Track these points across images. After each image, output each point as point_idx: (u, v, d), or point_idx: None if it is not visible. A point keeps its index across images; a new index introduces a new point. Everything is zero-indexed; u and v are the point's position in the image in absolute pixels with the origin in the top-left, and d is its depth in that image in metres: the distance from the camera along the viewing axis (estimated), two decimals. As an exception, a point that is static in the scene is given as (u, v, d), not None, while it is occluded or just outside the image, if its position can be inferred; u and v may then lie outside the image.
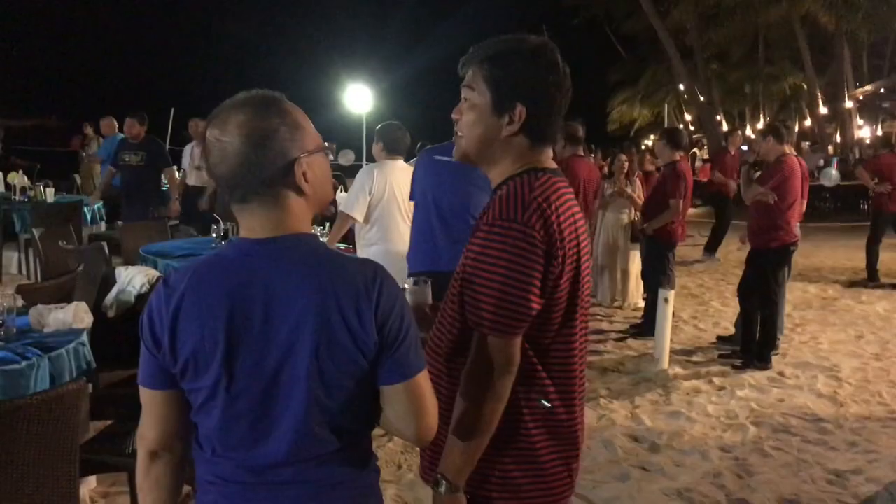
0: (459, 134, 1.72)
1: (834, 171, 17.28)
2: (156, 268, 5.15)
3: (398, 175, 5.00)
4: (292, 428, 1.40)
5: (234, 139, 1.36)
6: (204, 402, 1.41)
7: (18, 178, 9.80)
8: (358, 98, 20.70)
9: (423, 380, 1.47)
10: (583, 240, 1.65)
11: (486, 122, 1.65)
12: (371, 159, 5.35)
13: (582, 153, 7.01)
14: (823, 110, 26.16)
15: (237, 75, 37.50)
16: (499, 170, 1.68)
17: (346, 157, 17.24)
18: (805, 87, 27.46)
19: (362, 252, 4.95)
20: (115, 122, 9.73)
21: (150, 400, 1.45)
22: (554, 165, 1.70)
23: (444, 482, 1.64)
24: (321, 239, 1.81)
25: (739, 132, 13.21)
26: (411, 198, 4.29)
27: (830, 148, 26.15)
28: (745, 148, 18.07)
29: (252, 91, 1.42)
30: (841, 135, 26.07)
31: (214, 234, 6.25)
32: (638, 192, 8.38)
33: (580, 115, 6.78)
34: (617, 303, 8.54)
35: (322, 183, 1.45)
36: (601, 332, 7.44)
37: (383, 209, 4.92)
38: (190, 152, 10.09)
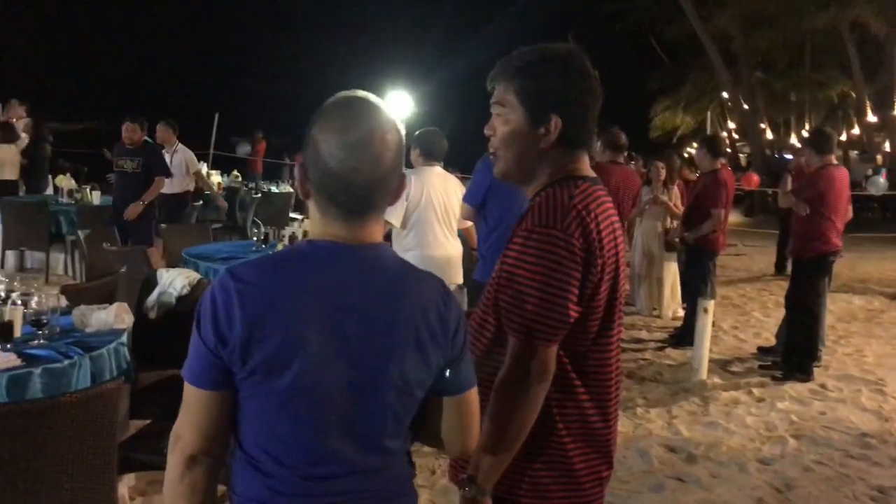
0: (494, 152, 1.69)
1: (882, 180, 16.94)
2: (197, 270, 5.15)
3: (435, 181, 5.01)
4: (367, 438, 1.35)
5: (381, 149, 1.33)
6: (273, 408, 1.31)
7: (66, 181, 9.91)
8: (398, 104, 19.85)
9: (476, 394, 1.46)
10: (620, 249, 1.63)
11: (522, 137, 1.63)
12: (409, 165, 5.29)
13: (621, 160, 6.73)
14: (872, 119, 25.60)
15: (274, 81, 37.43)
16: (538, 182, 1.67)
17: None
18: (853, 94, 26.83)
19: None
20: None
21: (198, 399, 1.33)
22: (591, 173, 1.67)
23: (472, 485, 1.63)
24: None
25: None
26: (471, 202, 4.42)
27: (879, 157, 25.60)
28: (788, 156, 17.80)
29: (362, 94, 1.39)
30: (890, 144, 25.52)
31: (255, 238, 6.29)
32: (675, 199, 8.17)
33: (621, 122, 6.67)
34: (655, 312, 8.42)
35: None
36: (640, 341, 7.36)
37: (420, 215, 4.92)
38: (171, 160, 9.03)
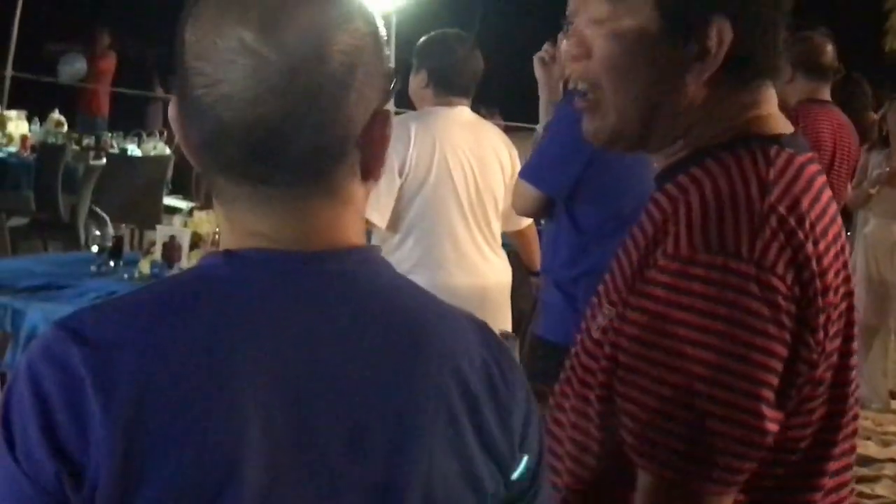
0: (585, 91, 1.11)
1: None
2: None
3: (457, 136, 3.19)
4: None
5: (297, 59, 0.79)
6: None
7: None
8: None
9: None
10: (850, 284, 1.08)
11: (652, 61, 1.05)
12: (404, 104, 3.91)
13: (828, 97, 3.92)
14: None
15: None
16: (684, 148, 1.08)
17: None
18: None
19: None
20: None
21: None
22: (787, 125, 1.10)
23: None
24: None
25: None
26: (542, 183, 2.79)
27: None
28: None
29: None
30: None
31: (96, 247, 4.14)
32: None
33: (828, 23, 4.12)
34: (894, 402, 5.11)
35: (384, 162, 0.92)
36: (868, 460, 4.40)
37: (427, 203, 3.17)
38: None
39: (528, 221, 3.48)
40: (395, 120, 3.27)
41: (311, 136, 0.82)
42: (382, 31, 0.88)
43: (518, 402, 0.90)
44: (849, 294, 1.05)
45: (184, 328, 0.79)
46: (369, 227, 3.15)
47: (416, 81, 3.25)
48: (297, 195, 0.85)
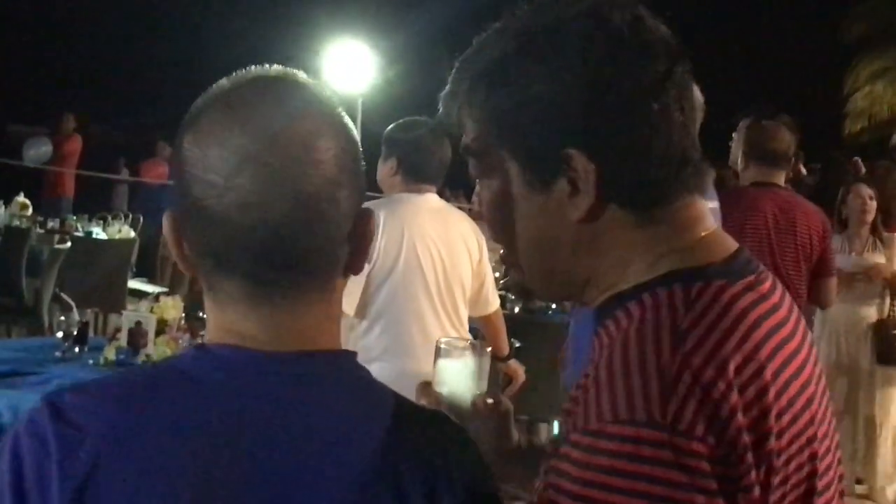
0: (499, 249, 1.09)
1: None
2: None
3: (426, 223, 3.14)
4: None
5: (299, 166, 0.84)
6: None
7: None
8: (349, 66, 11.46)
9: None
10: (821, 418, 0.92)
11: (530, 212, 0.96)
12: (370, 189, 2.93)
13: (779, 181, 3.78)
14: None
15: (146, 33, 22.54)
16: (599, 288, 0.97)
17: None
18: None
19: None
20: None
21: None
22: (722, 246, 0.95)
23: None
24: None
25: None
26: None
27: None
28: None
29: (278, 71, 0.91)
30: None
31: (61, 332, 3.98)
32: None
33: (786, 105, 4.16)
34: (862, 488, 4.93)
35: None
36: None
37: (396, 290, 3.09)
38: None
39: (495, 307, 3.42)
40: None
41: (313, 237, 0.85)
42: (356, 136, 0.92)
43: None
44: (812, 420, 0.93)
45: (141, 419, 0.83)
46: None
47: (386, 168, 3.19)
48: (292, 295, 0.87)
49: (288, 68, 0.93)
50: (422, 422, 0.93)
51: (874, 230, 4.70)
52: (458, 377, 1.25)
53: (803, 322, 0.96)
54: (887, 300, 4.63)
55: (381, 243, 3.01)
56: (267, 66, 0.92)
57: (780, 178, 3.74)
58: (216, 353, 0.87)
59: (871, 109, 17.81)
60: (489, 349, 1.32)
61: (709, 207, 3.66)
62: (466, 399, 1.23)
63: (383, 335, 3.06)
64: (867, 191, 4.68)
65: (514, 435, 1.24)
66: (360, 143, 0.92)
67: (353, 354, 0.92)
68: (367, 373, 0.93)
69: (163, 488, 0.81)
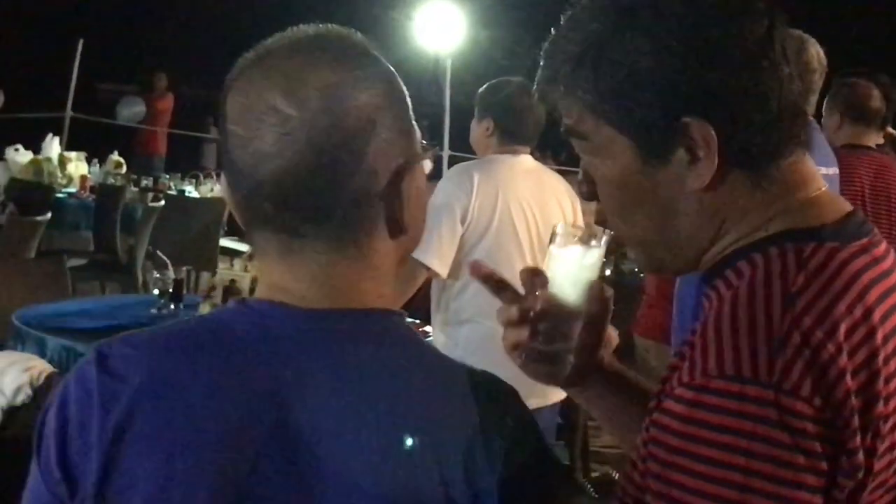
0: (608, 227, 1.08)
1: None
2: (43, 355, 3.43)
3: (520, 185, 3.12)
4: None
5: (317, 116, 0.85)
6: None
7: None
8: (438, 26, 11.06)
9: None
10: None
11: (649, 189, 0.95)
12: (461, 149, 4.11)
13: (872, 143, 3.65)
14: None
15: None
16: (714, 251, 0.97)
17: None
18: None
19: (444, 335, 3.20)
20: None
21: None
22: (836, 208, 0.95)
23: None
24: None
25: None
26: None
27: None
28: None
29: (320, 27, 0.92)
30: None
31: (157, 290, 4.10)
32: None
33: (881, 62, 3.97)
34: None
35: (421, 218, 0.95)
36: None
37: (489, 251, 3.05)
38: None
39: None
40: (457, 168, 3.25)
41: (334, 189, 0.86)
42: (405, 94, 0.92)
43: (515, 469, 0.88)
44: None
45: (180, 372, 0.86)
46: (430, 275, 3.14)
47: (480, 130, 3.20)
48: (321, 249, 0.87)
49: (337, 26, 0.92)
50: (465, 383, 0.91)
51: None
52: (571, 266, 1.17)
53: None
54: None
55: (474, 204, 3.02)
56: (319, 25, 0.93)
57: (874, 139, 3.63)
58: (254, 308, 0.89)
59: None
60: (609, 238, 1.21)
61: (828, 174, 3.31)
62: (575, 291, 1.15)
63: (476, 297, 3.01)
64: None
65: (603, 349, 1.20)
66: (406, 102, 0.91)
67: (399, 315, 0.92)
68: (412, 333, 0.92)
69: (194, 441, 0.84)
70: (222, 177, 0.94)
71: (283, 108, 0.85)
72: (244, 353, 0.87)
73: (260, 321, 0.88)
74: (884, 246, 0.95)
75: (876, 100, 3.59)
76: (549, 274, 1.18)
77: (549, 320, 1.08)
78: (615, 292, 1.31)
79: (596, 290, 1.13)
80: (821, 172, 2.90)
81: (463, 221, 3.02)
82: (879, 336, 0.87)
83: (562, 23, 0.98)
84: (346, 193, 0.86)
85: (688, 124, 0.90)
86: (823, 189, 0.97)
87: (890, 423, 0.87)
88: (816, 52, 2.86)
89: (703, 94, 0.90)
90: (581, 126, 0.97)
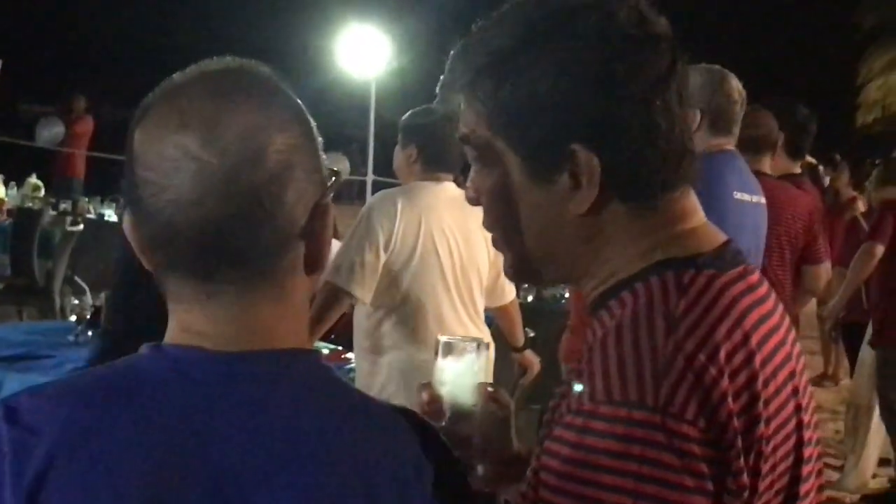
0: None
1: None
2: None
3: (444, 212, 3.10)
4: None
5: (237, 162, 0.82)
6: None
7: None
8: (362, 51, 11.44)
9: None
10: (804, 410, 0.94)
11: (531, 205, 0.97)
12: (386, 174, 3.84)
13: (764, 168, 3.59)
14: None
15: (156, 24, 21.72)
16: (596, 278, 0.98)
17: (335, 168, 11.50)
18: None
19: (366, 363, 3.20)
20: None
21: None
22: (712, 238, 0.97)
23: None
24: None
25: None
26: None
27: None
28: None
29: (228, 62, 0.89)
30: None
31: (74, 316, 4.03)
32: None
33: (803, 97, 4.08)
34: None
35: (329, 251, 0.94)
36: None
37: (412, 279, 3.08)
38: None
39: (511, 297, 3.39)
40: (380, 195, 3.26)
41: (255, 234, 0.84)
42: (315, 130, 0.90)
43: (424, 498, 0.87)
44: (798, 409, 0.94)
45: (96, 422, 0.82)
46: (353, 302, 3.10)
47: (403, 157, 3.18)
48: (240, 292, 0.86)
49: (245, 60, 0.90)
50: (385, 416, 0.91)
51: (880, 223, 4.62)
52: (460, 377, 1.21)
53: (787, 317, 0.98)
54: None
55: (398, 231, 2.99)
56: (222, 58, 0.90)
57: (765, 165, 3.62)
58: (169, 353, 0.86)
59: (885, 100, 17.70)
60: (490, 346, 1.27)
61: (752, 202, 3.37)
62: (467, 399, 1.19)
63: (399, 325, 3.03)
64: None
65: (514, 440, 1.21)
66: (317, 138, 0.90)
67: (315, 353, 0.91)
68: (329, 371, 0.92)
69: (115, 491, 0.81)
70: (126, 216, 0.89)
71: (201, 154, 0.82)
72: (162, 401, 0.85)
73: (176, 367, 0.86)
74: (757, 275, 0.97)
75: (761, 127, 3.57)
76: (439, 386, 1.20)
77: (445, 432, 1.07)
78: (538, 318, 1.35)
79: (487, 392, 1.15)
80: (746, 200, 2.96)
81: (386, 248, 2.98)
82: (758, 360, 0.88)
83: (473, 31, 0.98)
84: (266, 237, 0.85)
85: (575, 151, 0.90)
86: (703, 221, 0.98)
87: (771, 445, 0.88)
88: (736, 84, 2.92)
89: (596, 125, 0.91)
90: (475, 135, 0.97)
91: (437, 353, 1.25)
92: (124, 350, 0.98)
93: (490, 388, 1.19)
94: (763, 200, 2.93)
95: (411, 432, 0.90)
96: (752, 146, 3.52)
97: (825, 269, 3.84)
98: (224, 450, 0.83)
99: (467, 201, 1.05)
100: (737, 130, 2.94)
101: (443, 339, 1.25)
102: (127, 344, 1.04)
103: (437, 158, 3.11)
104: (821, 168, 6.03)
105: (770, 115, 3.60)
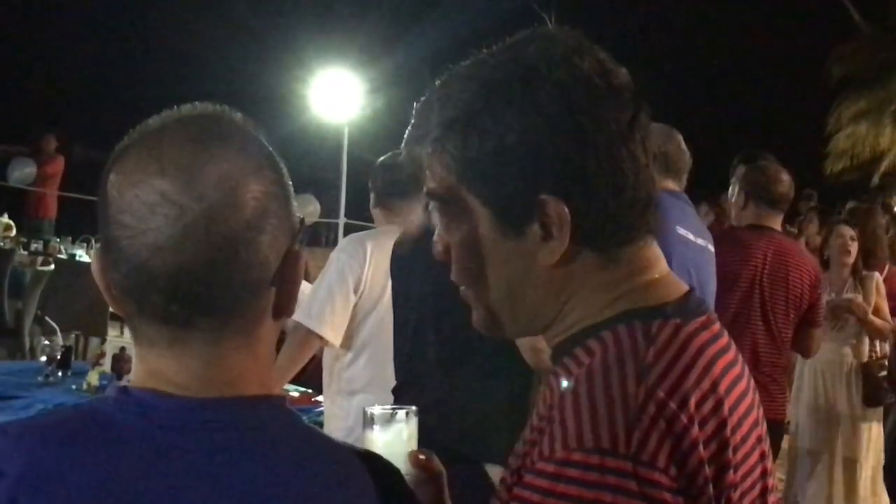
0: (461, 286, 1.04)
1: None
2: None
3: None
4: None
5: (216, 208, 0.81)
6: None
7: None
8: (335, 94, 11.59)
9: None
10: (767, 458, 0.96)
11: (500, 257, 0.96)
12: (358, 217, 3.88)
13: (776, 226, 3.65)
14: None
15: (134, 63, 21.15)
16: (560, 326, 0.97)
17: (304, 210, 11.13)
18: None
19: (335, 406, 3.17)
20: None
21: None
22: (676, 288, 0.97)
23: None
24: None
25: None
26: None
27: None
28: None
29: (200, 108, 0.89)
30: None
31: (44, 356, 3.97)
32: (876, 298, 4.51)
33: (773, 146, 4.19)
34: None
35: (297, 295, 0.92)
36: None
37: (381, 321, 3.03)
38: None
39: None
40: (351, 238, 3.27)
41: (231, 281, 0.83)
42: (287, 177, 0.90)
43: None
44: (763, 457, 0.96)
45: (59, 463, 0.81)
46: (324, 344, 3.07)
47: (374, 201, 3.21)
48: (209, 339, 0.85)
49: (219, 106, 0.90)
50: (349, 464, 0.91)
51: (854, 272, 4.60)
52: (390, 446, 1.22)
53: (747, 367, 0.99)
54: (865, 340, 4.52)
55: (367, 275, 3.00)
56: (198, 104, 0.90)
57: (777, 222, 3.66)
58: (136, 397, 0.85)
59: (853, 150, 17.78)
60: (416, 412, 1.29)
61: (698, 244, 3.44)
62: (400, 468, 1.17)
63: (367, 367, 3.04)
64: (848, 231, 4.55)
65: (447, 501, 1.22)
66: (289, 184, 0.90)
67: (281, 399, 0.92)
68: (294, 417, 0.91)
69: None
70: (96, 260, 0.88)
71: (178, 200, 0.81)
72: (126, 445, 0.83)
73: (141, 411, 0.84)
74: (718, 324, 0.97)
75: (784, 185, 3.57)
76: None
77: None
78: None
79: (418, 459, 1.17)
80: (690, 239, 3.04)
81: (356, 291, 2.99)
82: (726, 407, 0.87)
83: (437, 86, 0.97)
84: (240, 284, 0.84)
85: (545, 202, 0.90)
86: (666, 271, 0.98)
87: (739, 492, 0.88)
88: (681, 139, 3.05)
89: (564, 176, 0.90)
90: (443, 189, 0.96)
91: (364, 425, 1.25)
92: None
93: (422, 456, 1.20)
94: (710, 247, 2.95)
95: (375, 477, 0.90)
96: (770, 201, 3.54)
97: (820, 334, 3.79)
98: (186, 497, 0.82)
99: (435, 256, 1.03)
100: (685, 179, 3.04)
101: (369, 409, 1.25)
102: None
103: (408, 199, 3.05)
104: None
105: (785, 173, 3.59)
